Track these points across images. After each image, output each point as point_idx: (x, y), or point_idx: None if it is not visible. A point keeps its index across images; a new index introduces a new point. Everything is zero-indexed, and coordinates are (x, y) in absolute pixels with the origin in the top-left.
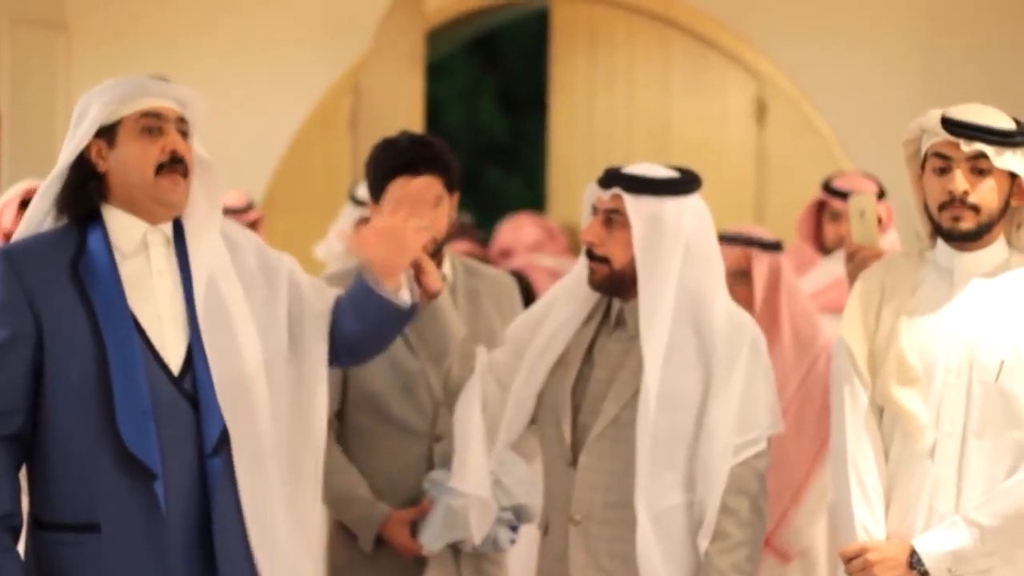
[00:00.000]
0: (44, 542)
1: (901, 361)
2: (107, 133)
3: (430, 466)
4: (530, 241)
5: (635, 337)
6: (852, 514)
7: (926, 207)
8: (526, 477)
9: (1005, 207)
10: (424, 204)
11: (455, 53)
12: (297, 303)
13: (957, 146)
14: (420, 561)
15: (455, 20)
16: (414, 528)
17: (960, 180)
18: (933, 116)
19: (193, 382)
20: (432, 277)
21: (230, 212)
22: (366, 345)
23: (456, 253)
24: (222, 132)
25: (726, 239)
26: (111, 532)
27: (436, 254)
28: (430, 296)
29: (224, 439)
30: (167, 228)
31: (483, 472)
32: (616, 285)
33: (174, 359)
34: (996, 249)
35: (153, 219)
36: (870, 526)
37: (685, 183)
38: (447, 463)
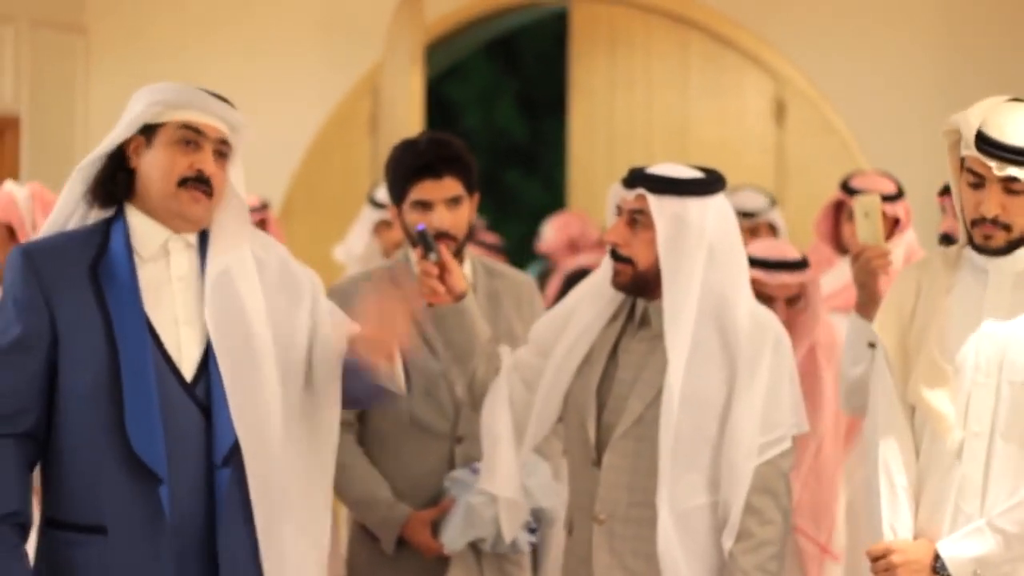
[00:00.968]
0: (54, 541)
1: (932, 362)
2: (148, 132)
3: (451, 468)
4: (594, 239)
5: (659, 337)
6: (880, 514)
7: (963, 208)
8: (549, 481)
9: None
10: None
11: (473, 55)
12: (315, 323)
13: (990, 168)
14: (442, 562)
15: (472, 22)
16: (435, 528)
17: (991, 205)
18: (970, 125)
19: (207, 389)
20: (457, 278)
21: None
22: (353, 405)
23: (476, 254)
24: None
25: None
26: (116, 535)
27: (457, 255)
28: (455, 298)
29: (235, 450)
30: (191, 236)
31: (513, 473)
32: (640, 285)
33: (188, 365)
34: None
35: (174, 228)
36: (897, 526)
37: (709, 183)
38: (469, 464)
